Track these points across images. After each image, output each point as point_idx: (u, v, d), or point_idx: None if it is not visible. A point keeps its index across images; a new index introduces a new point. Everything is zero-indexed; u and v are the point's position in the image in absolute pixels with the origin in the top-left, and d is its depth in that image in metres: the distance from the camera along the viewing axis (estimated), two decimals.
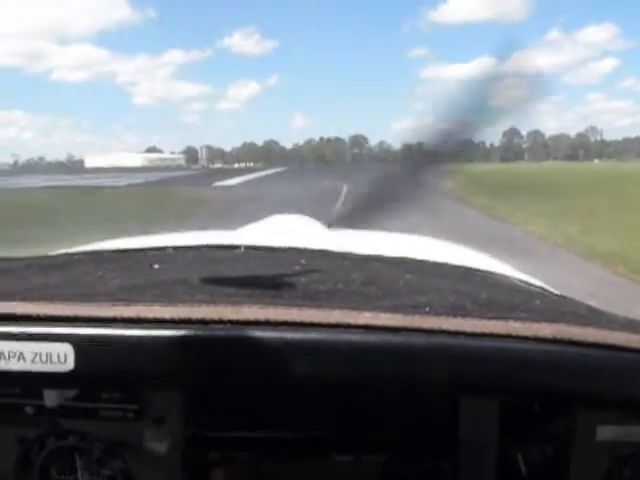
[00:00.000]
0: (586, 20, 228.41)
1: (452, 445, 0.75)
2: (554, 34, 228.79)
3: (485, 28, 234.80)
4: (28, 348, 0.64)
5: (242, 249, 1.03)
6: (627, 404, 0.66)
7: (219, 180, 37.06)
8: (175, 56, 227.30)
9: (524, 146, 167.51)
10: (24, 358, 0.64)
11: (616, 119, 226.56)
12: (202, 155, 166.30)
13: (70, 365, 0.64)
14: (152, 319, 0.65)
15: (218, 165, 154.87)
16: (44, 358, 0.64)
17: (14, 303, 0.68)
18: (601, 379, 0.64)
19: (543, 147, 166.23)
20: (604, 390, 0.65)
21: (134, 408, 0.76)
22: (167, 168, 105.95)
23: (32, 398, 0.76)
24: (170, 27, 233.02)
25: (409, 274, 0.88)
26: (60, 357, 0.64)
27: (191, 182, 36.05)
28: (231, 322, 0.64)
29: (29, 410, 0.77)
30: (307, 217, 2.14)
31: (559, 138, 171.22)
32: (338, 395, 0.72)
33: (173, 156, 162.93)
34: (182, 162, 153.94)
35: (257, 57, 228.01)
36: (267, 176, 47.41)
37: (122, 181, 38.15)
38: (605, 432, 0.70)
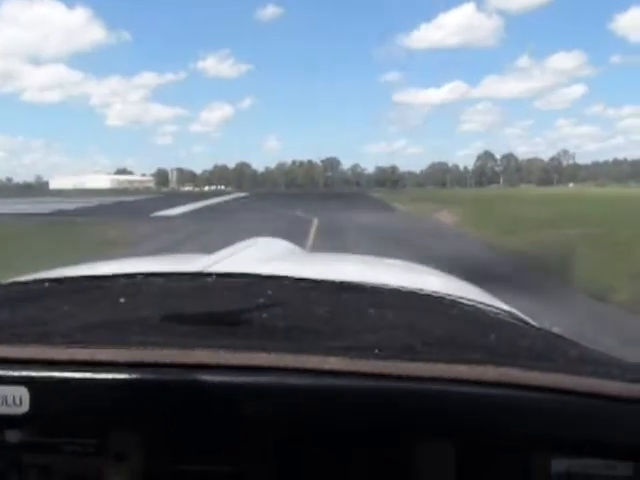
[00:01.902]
0: (555, 47, 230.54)
1: None
2: (524, 60, 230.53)
3: (456, 54, 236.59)
4: None
5: (213, 277, 1.05)
6: (575, 444, 0.67)
7: (167, 208, 33.17)
8: (149, 78, 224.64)
9: (497, 169, 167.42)
10: None
11: (584, 144, 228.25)
12: (172, 177, 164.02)
13: (25, 407, 0.65)
14: (106, 362, 0.66)
15: (188, 188, 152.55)
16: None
17: None
18: (544, 421, 0.65)
19: (516, 171, 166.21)
20: (549, 431, 0.66)
21: (94, 443, 0.75)
22: (136, 191, 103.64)
23: None
24: (144, 49, 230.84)
25: (371, 307, 0.89)
26: (15, 400, 0.65)
27: (129, 210, 32.31)
28: (182, 365, 0.66)
29: None
30: (284, 241, 2.26)
31: (532, 162, 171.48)
32: (289, 433, 0.72)
33: (141, 178, 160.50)
34: (152, 184, 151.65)
35: (231, 80, 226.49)
36: (225, 202, 44.28)
37: (49, 207, 33.69)
38: (560, 465, 0.69)
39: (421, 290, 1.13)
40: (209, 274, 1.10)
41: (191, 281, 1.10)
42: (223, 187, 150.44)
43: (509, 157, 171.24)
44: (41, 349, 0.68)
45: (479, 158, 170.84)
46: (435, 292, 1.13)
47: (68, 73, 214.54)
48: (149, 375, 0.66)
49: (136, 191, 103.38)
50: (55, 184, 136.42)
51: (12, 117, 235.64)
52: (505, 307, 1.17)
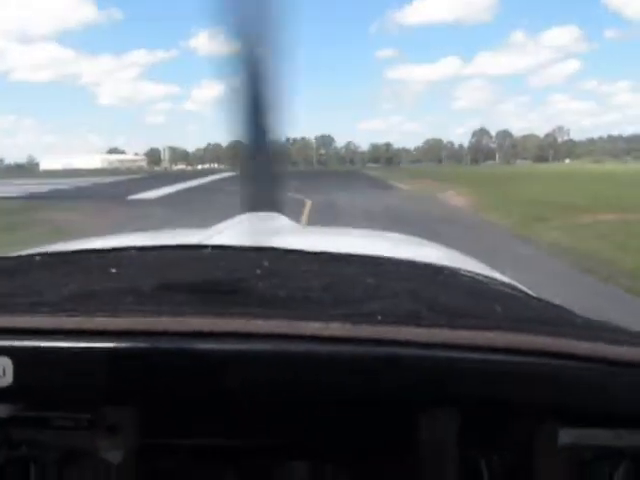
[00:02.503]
0: (549, 22, 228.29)
1: (412, 454, 0.74)
2: (518, 36, 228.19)
3: (450, 30, 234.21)
4: None
5: (209, 249, 1.04)
6: (584, 412, 0.67)
7: (148, 189, 29.14)
8: (140, 56, 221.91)
9: (493, 146, 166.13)
10: None
11: (579, 120, 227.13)
12: (165, 156, 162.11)
13: (9, 379, 0.63)
14: (94, 330, 0.64)
15: (181, 166, 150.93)
16: None
17: None
18: (553, 389, 0.64)
19: (512, 147, 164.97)
20: (558, 399, 0.65)
21: (87, 417, 0.74)
22: (127, 170, 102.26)
23: None
24: (135, 27, 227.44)
25: (371, 277, 0.88)
26: None
27: (105, 193, 28.89)
28: (175, 333, 0.64)
29: None
30: (280, 215, 2.21)
31: (528, 138, 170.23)
32: (288, 404, 0.70)
33: (133, 157, 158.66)
34: (144, 164, 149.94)
35: (224, 57, 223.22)
36: (212, 182, 40.05)
37: (22, 190, 29.64)
38: (568, 435, 0.69)
39: (420, 261, 1.12)
40: (204, 246, 1.07)
41: (186, 253, 1.07)
42: (216, 165, 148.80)
43: (504, 134, 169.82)
44: (26, 318, 0.66)
45: (474, 135, 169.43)
46: (434, 263, 1.12)
47: (59, 52, 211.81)
48: (141, 344, 0.63)
49: (127, 171, 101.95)
50: (46, 164, 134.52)
51: (2, 97, 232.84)
52: (506, 279, 1.17)
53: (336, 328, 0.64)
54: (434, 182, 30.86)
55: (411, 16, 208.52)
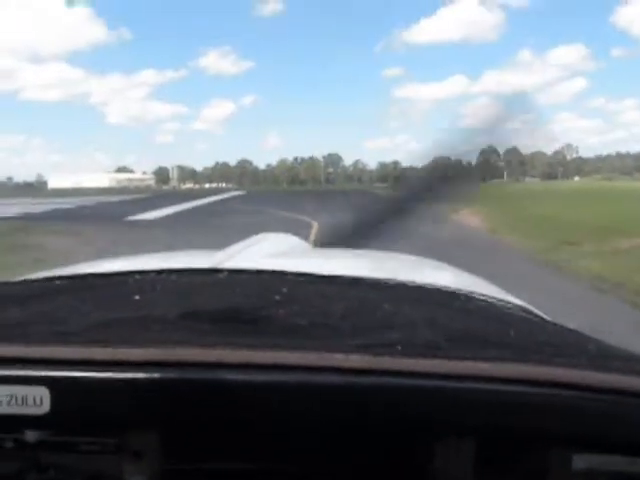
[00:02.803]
0: (556, 41, 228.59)
1: None
2: (525, 55, 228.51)
3: (457, 48, 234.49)
4: (3, 391, 0.65)
5: (225, 273, 1.05)
6: (598, 442, 0.68)
7: (150, 209, 27.75)
8: (149, 76, 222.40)
9: (501, 164, 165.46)
10: (0, 401, 0.65)
11: (586, 137, 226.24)
12: (173, 175, 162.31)
13: (46, 408, 0.65)
14: (127, 361, 0.66)
15: (189, 185, 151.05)
16: (20, 401, 0.65)
17: None
18: (567, 419, 0.66)
19: (520, 165, 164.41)
20: (572, 429, 0.66)
21: (113, 442, 0.75)
22: (135, 189, 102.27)
23: (11, 432, 0.74)
24: (145, 47, 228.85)
25: (388, 303, 0.90)
26: (36, 400, 0.65)
27: (104, 213, 27.93)
28: (203, 364, 0.66)
29: (8, 445, 0.75)
30: (294, 236, 2.33)
31: (536, 156, 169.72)
32: (312, 434, 0.72)
33: (141, 176, 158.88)
34: (152, 182, 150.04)
35: (233, 77, 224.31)
36: (218, 202, 39.33)
37: (18, 210, 28.58)
38: (581, 462, 0.70)
39: (434, 285, 1.12)
40: (221, 270, 1.09)
41: (204, 277, 1.08)
42: (224, 185, 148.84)
43: (512, 151, 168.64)
44: (60, 349, 0.68)
45: (482, 152, 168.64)
46: (448, 287, 1.11)
47: (68, 71, 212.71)
48: (170, 374, 0.66)
49: (135, 189, 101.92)
50: (54, 183, 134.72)
51: (12, 116, 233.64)
52: (518, 302, 1.18)
53: (358, 360, 0.66)
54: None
55: (418, 35, 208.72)
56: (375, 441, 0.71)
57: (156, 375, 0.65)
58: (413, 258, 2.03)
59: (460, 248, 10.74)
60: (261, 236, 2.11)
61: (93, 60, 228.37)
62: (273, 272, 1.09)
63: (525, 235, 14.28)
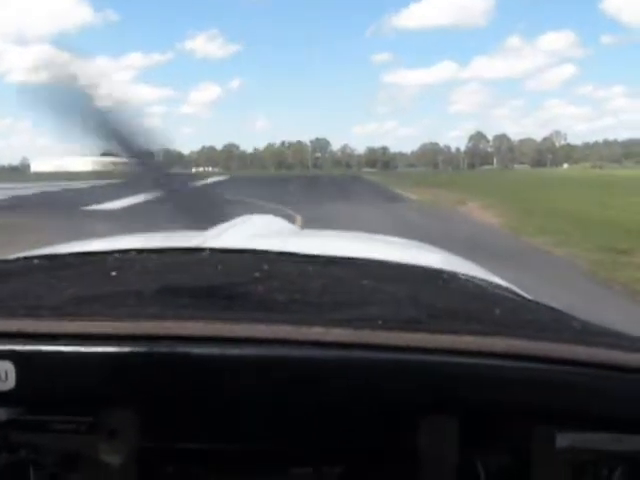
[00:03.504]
0: (545, 27, 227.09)
1: (411, 458, 0.73)
2: (514, 40, 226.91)
3: (446, 34, 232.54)
4: None
5: (207, 252, 1.04)
6: (583, 417, 0.67)
7: (118, 197, 22.50)
8: (136, 59, 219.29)
9: (490, 150, 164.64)
10: None
11: (574, 124, 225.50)
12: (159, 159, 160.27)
13: (11, 383, 0.63)
14: (96, 334, 0.65)
15: (175, 169, 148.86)
16: None
17: None
18: (553, 394, 0.65)
19: (509, 151, 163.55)
20: (557, 404, 0.66)
21: (87, 420, 0.73)
22: (120, 173, 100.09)
23: None
24: (131, 30, 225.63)
25: (369, 280, 0.89)
26: (1, 375, 0.63)
27: (65, 201, 24.21)
28: (177, 338, 0.65)
29: None
30: (279, 218, 2.34)
31: (525, 142, 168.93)
32: (291, 409, 0.70)
33: (125, 160, 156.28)
34: None
35: (220, 60, 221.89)
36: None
37: None
38: (565, 439, 0.70)
39: (418, 265, 1.12)
40: (203, 249, 1.07)
41: (185, 256, 1.06)
42: (210, 169, 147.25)
43: (501, 138, 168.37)
44: (28, 322, 0.66)
45: (471, 139, 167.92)
46: (432, 266, 1.12)
47: (54, 53, 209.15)
48: (142, 348, 0.64)
49: (119, 174, 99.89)
50: (37, 167, 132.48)
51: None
52: (503, 283, 1.18)
53: (338, 333, 0.65)
54: (444, 190, 26.50)
55: (407, 20, 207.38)
56: (356, 416, 0.69)
57: (127, 349, 0.63)
58: (398, 240, 1.98)
59: (488, 257, 5.28)
60: (246, 217, 2.12)
61: (79, 42, 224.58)
62: (254, 251, 1.06)
63: (557, 237, 11.06)
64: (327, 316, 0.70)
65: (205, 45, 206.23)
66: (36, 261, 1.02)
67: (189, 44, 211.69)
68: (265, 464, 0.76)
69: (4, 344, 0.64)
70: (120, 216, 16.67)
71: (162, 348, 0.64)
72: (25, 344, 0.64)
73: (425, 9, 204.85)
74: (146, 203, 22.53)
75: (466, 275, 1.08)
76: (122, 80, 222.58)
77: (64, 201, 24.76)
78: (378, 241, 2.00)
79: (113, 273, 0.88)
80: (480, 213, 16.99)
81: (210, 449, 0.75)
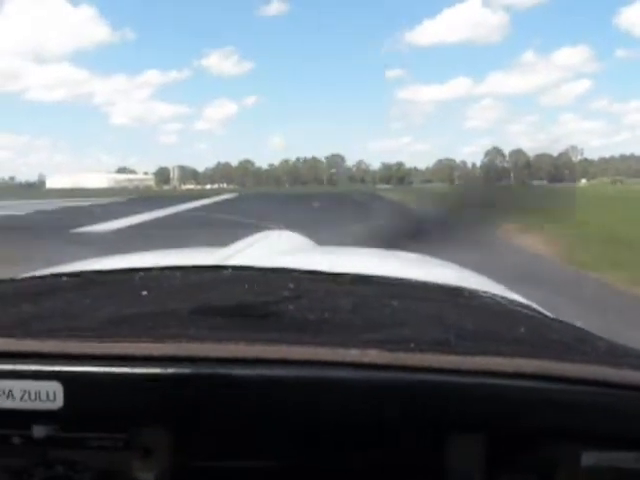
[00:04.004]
0: (560, 42, 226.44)
1: (440, 477, 0.77)
2: (529, 56, 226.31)
3: (460, 50, 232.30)
4: (17, 386, 0.65)
5: (229, 270, 1.04)
6: (608, 437, 0.69)
7: (118, 216, 22.45)
8: (153, 76, 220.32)
9: (507, 166, 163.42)
10: (13, 396, 0.65)
11: (589, 139, 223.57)
12: (174, 175, 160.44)
13: (59, 403, 0.66)
14: (140, 357, 0.67)
15: (190, 186, 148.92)
16: (33, 396, 0.65)
17: (3, 339, 0.69)
18: (580, 414, 0.67)
19: (526, 167, 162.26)
20: (584, 424, 0.67)
21: (122, 438, 0.75)
22: (134, 190, 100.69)
23: (20, 429, 0.75)
24: (148, 48, 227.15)
25: (395, 300, 0.89)
26: (49, 395, 0.65)
27: (56, 221, 21.72)
28: (217, 360, 0.66)
29: (16, 440, 0.76)
30: (296, 234, 2.37)
31: (541, 157, 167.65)
32: (327, 429, 0.72)
33: (141, 177, 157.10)
34: (152, 183, 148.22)
35: (235, 78, 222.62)
36: (198, 208, 31.51)
37: None
38: (590, 458, 0.71)
39: (440, 283, 1.12)
40: (225, 267, 1.08)
41: (209, 274, 1.07)
42: (225, 185, 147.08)
43: (518, 153, 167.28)
44: (74, 344, 0.68)
45: (487, 154, 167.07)
46: (455, 285, 1.12)
47: (72, 71, 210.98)
48: (183, 370, 0.65)
49: (134, 190, 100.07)
50: (52, 183, 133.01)
51: (17, 116, 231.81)
52: (523, 300, 1.18)
53: (374, 355, 0.66)
54: None
55: (421, 36, 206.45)
56: (390, 436, 0.71)
57: (170, 370, 0.65)
58: (416, 256, 1.98)
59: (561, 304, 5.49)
60: (264, 234, 2.24)
61: (96, 60, 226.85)
62: (278, 269, 1.06)
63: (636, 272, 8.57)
64: (361, 337, 0.71)
65: (220, 62, 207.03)
66: (64, 279, 1.02)
67: (205, 61, 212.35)
68: None
69: (53, 365, 0.66)
70: (106, 240, 14.51)
71: (203, 369, 0.65)
72: (72, 365, 0.66)
73: (439, 26, 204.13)
74: (137, 226, 19.60)
75: (486, 292, 1.08)
76: (139, 98, 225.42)
77: (53, 222, 22.22)
78: (394, 257, 1.96)
79: (144, 292, 0.88)
80: (522, 239, 13.75)
81: (243, 467, 0.76)
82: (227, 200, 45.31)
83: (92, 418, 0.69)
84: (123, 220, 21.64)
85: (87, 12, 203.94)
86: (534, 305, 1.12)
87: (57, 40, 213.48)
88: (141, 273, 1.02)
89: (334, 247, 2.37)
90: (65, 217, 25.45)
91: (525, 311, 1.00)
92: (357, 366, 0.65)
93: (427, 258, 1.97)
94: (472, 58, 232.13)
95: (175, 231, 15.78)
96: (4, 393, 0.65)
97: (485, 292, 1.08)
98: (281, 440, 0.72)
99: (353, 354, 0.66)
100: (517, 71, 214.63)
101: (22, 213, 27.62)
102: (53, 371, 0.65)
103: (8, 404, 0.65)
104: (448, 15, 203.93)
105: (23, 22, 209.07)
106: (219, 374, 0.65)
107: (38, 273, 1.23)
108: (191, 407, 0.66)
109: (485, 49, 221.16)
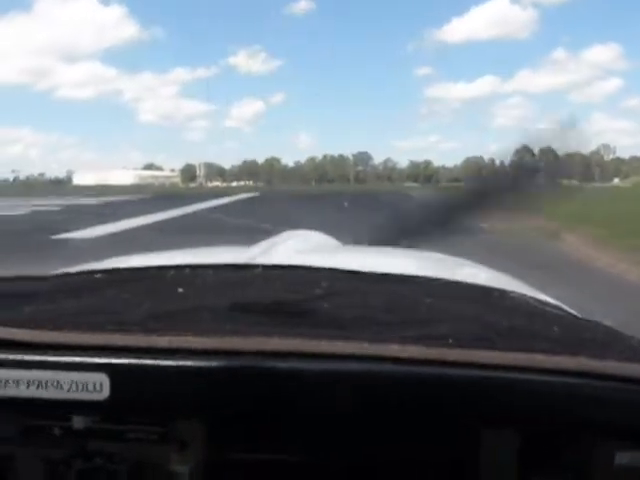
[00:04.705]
0: (591, 40, 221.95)
1: (475, 473, 0.78)
2: (559, 53, 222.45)
3: (489, 47, 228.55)
4: (65, 377, 0.67)
5: (260, 269, 1.04)
6: None
7: (121, 217, 20.19)
8: (181, 74, 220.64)
9: (536, 164, 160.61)
10: (61, 387, 0.67)
11: (620, 138, 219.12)
12: (200, 172, 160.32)
13: (105, 394, 0.67)
14: (185, 349, 0.68)
15: (216, 183, 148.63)
16: (80, 387, 0.67)
17: (52, 332, 0.71)
18: (619, 411, 0.67)
19: (556, 165, 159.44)
20: (623, 422, 0.68)
21: (159, 431, 0.78)
22: (160, 187, 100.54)
23: (60, 420, 0.79)
24: (177, 45, 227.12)
25: (429, 298, 0.90)
26: (96, 386, 0.67)
27: (48, 224, 18.29)
28: (261, 353, 0.67)
29: (57, 432, 0.79)
30: (321, 233, 2.27)
31: (572, 156, 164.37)
32: (366, 423, 0.74)
33: (167, 174, 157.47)
34: (178, 180, 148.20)
35: (262, 75, 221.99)
36: (211, 210, 27.66)
37: None
38: (624, 458, 0.72)
39: (470, 282, 1.11)
40: (255, 265, 1.08)
41: (240, 272, 1.06)
42: (251, 183, 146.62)
43: (547, 151, 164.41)
44: (121, 336, 0.69)
45: (516, 152, 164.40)
46: (484, 284, 1.13)
47: (101, 70, 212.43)
48: (227, 362, 0.66)
49: (160, 187, 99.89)
50: (79, 180, 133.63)
51: (47, 114, 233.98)
52: (551, 300, 1.17)
53: (414, 350, 0.67)
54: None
55: (450, 34, 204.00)
56: (429, 430, 0.73)
57: (214, 363, 0.66)
58: (441, 256, 1.95)
59: None
60: (289, 233, 2.15)
61: (125, 58, 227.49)
62: (308, 267, 1.05)
63: None
64: (399, 333, 0.71)
65: (248, 60, 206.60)
66: (97, 275, 1.02)
67: (232, 60, 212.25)
68: (337, 477, 0.79)
69: (100, 357, 0.67)
70: (87, 248, 11.98)
71: (247, 363, 0.66)
72: (119, 357, 0.67)
73: (467, 23, 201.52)
74: (131, 230, 16.49)
75: (516, 292, 1.07)
76: (167, 95, 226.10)
77: (45, 225, 18.98)
78: (423, 257, 1.95)
79: (180, 289, 0.88)
80: (594, 254, 10.71)
81: (279, 460, 0.77)
82: (251, 198, 42.17)
83: (135, 409, 0.70)
84: (130, 221, 19.31)
85: (117, 11, 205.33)
86: (562, 305, 1.10)
87: (87, 39, 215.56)
88: (173, 271, 1.02)
89: (359, 246, 2.22)
90: (60, 218, 22.61)
91: (555, 311, 0.99)
92: (398, 361, 0.66)
93: (453, 258, 1.92)
94: (500, 55, 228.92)
95: (173, 238, 13.03)
96: (53, 384, 0.67)
97: (514, 292, 1.06)
98: (318, 434, 0.73)
99: (393, 349, 0.66)
100: (546, 69, 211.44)
101: (14, 213, 25.19)
102: (100, 363, 0.67)
103: (56, 394, 0.67)
104: (476, 12, 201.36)
105: (54, 21, 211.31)
106: (262, 367, 0.66)
107: (71, 270, 1.21)
108: (233, 400, 0.67)
109: (514, 46, 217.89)
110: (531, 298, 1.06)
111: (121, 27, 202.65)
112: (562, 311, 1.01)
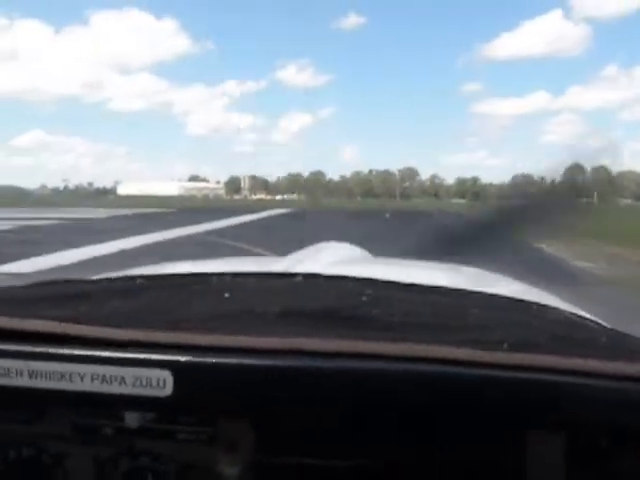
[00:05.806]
0: None
1: (523, 476, 0.78)
2: (610, 70, 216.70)
3: (540, 63, 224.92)
4: (129, 373, 0.68)
5: (300, 278, 1.04)
6: None
7: (138, 233, 17.88)
8: (230, 87, 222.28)
9: (589, 184, 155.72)
10: (125, 382, 0.68)
11: None
12: (244, 185, 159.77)
13: (169, 390, 0.68)
14: (250, 349, 0.68)
15: (260, 196, 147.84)
16: (144, 383, 0.68)
17: (116, 329, 0.71)
18: None
19: (609, 184, 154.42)
20: None
21: (208, 431, 0.78)
22: (203, 198, 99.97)
23: (113, 419, 0.79)
24: (227, 58, 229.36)
25: (473, 308, 0.90)
26: (160, 382, 0.68)
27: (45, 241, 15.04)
28: (325, 354, 0.68)
29: (108, 430, 0.80)
30: (353, 245, 2.28)
31: (625, 175, 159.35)
32: (414, 426, 0.73)
33: (211, 185, 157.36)
34: (222, 192, 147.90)
35: (311, 89, 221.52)
36: (235, 227, 24.00)
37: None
38: None
39: (504, 294, 1.12)
40: (295, 274, 1.06)
41: (281, 281, 1.07)
42: (295, 196, 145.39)
43: (600, 169, 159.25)
44: (184, 335, 0.70)
45: (567, 170, 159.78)
46: (520, 297, 1.10)
47: (153, 82, 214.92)
48: (292, 362, 0.67)
49: (203, 199, 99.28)
50: (123, 190, 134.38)
51: (99, 125, 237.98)
52: (578, 311, 1.15)
53: (467, 353, 0.67)
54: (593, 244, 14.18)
55: (499, 50, 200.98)
56: (480, 431, 0.72)
57: (279, 362, 0.67)
58: (472, 269, 1.91)
59: None
60: (320, 245, 2.14)
61: (177, 71, 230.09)
62: (348, 277, 1.04)
63: None
64: (449, 337, 0.71)
65: (296, 74, 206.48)
66: (139, 281, 1.00)
67: (281, 73, 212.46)
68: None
69: (164, 354, 0.68)
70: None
71: (311, 362, 0.67)
72: (182, 355, 0.68)
73: (517, 39, 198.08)
74: (132, 250, 13.31)
75: (557, 307, 1.08)
76: (216, 108, 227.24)
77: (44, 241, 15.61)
78: (453, 270, 1.89)
79: (226, 295, 0.88)
80: None
81: (327, 465, 0.77)
82: (284, 214, 37.44)
83: (198, 407, 0.70)
84: (141, 237, 16.61)
85: (170, 25, 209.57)
86: (588, 315, 1.10)
87: (140, 52, 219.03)
88: (214, 278, 1.01)
89: (393, 259, 2.05)
90: (63, 233, 19.03)
91: (592, 324, 0.98)
92: (450, 362, 0.66)
93: (482, 271, 1.86)
94: (551, 71, 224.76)
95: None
96: (117, 379, 0.67)
97: (555, 306, 1.07)
98: (370, 437, 0.73)
99: (447, 351, 0.67)
100: (598, 85, 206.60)
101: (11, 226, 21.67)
102: (164, 360, 0.67)
103: (120, 389, 0.68)
104: (527, 28, 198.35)
105: (109, 34, 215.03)
106: (326, 367, 0.66)
107: (116, 275, 1.20)
108: (297, 400, 0.67)
109: (565, 62, 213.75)
110: (571, 313, 1.05)
111: (173, 40, 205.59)
112: (598, 324, 0.99)
